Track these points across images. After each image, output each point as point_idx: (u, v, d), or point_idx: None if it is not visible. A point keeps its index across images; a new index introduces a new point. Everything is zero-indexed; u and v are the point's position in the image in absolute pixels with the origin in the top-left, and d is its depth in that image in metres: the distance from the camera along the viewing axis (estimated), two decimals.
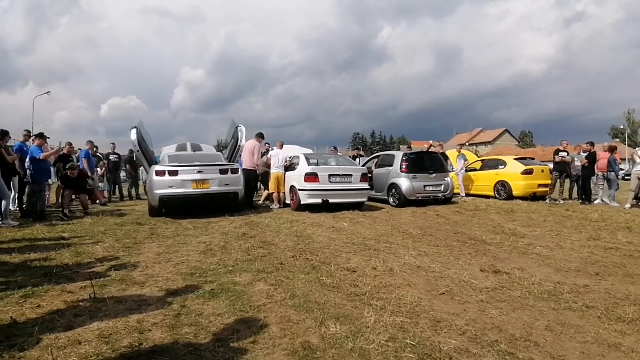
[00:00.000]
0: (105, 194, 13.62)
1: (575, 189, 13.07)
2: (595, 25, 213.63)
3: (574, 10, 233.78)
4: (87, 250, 5.56)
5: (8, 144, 8.98)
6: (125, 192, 15.01)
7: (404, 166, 11.18)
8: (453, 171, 13.84)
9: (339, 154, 14.97)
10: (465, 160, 14.56)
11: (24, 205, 9.30)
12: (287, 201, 10.73)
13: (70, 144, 11.10)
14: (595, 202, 11.83)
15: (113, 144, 14.48)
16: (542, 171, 13.11)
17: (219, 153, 11.87)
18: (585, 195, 11.96)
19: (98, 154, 13.83)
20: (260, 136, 11.54)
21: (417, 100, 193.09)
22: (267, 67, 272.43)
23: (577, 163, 12.32)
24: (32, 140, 9.43)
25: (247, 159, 10.99)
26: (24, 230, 7.32)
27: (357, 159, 15.62)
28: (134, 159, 13.69)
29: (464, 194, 13.94)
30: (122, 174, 15.72)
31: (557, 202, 11.97)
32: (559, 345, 2.76)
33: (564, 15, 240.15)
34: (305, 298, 3.60)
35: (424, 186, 11.11)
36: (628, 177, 12.51)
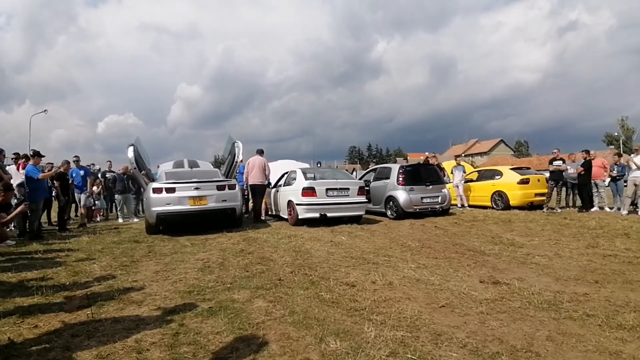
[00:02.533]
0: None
1: (571, 196, 13.15)
2: (588, 33, 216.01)
3: (568, 19, 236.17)
4: (84, 269, 5.53)
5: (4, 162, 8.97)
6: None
7: (400, 179, 11.21)
8: (449, 182, 13.85)
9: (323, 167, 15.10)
10: (464, 171, 14.55)
11: (26, 226, 9.23)
12: (285, 216, 10.72)
13: (68, 162, 11.08)
14: (593, 209, 11.85)
15: (109, 161, 14.49)
16: (539, 180, 13.14)
17: (216, 169, 11.87)
18: (583, 203, 11.99)
19: (93, 169, 13.86)
20: (262, 152, 11.90)
21: (413, 112, 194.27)
22: (264, 82, 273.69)
23: (571, 171, 12.38)
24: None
25: (258, 174, 11.19)
26: (20, 249, 7.28)
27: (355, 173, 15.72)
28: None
29: (467, 204, 13.90)
30: None
31: (555, 210, 11.98)
32: (560, 355, 2.75)
33: (557, 24, 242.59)
34: (304, 314, 3.58)
35: (422, 198, 11.12)
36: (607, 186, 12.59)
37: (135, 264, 5.93)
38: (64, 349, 2.91)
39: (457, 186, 14.03)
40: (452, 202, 13.45)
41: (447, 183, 13.08)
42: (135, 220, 12.64)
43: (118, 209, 13.26)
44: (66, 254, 6.76)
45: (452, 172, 14.44)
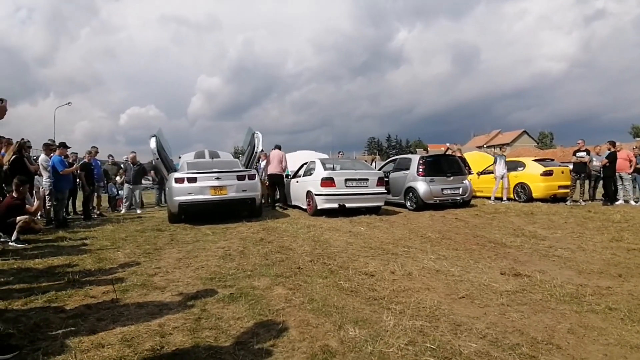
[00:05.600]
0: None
1: (594, 189, 12.87)
2: (615, 22, 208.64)
3: (594, 7, 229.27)
4: (109, 256, 5.66)
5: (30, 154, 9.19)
6: (152, 200, 15.34)
7: (421, 169, 11.08)
8: (471, 174, 13.58)
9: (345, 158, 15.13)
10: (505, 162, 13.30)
11: (51, 216, 9.46)
12: (303, 206, 10.78)
13: (91, 152, 11.29)
14: (617, 202, 11.58)
15: (134, 152, 14.70)
16: (562, 172, 12.86)
17: (237, 160, 11.99)
18: (608, 196, 11.73)
19: (115, 161, 14.16)
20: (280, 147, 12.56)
21: (434, 102, 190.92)
22: (283, 73, 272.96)
23: (596, 163, 12.10)
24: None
25: (276, 166, 11.89)
26: (47, 237, 7.49)
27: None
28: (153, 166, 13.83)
29: (506, 199, 12.85)
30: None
31: (579, 203, 11.75)
32: (581, 348, 2.72)
33: (584, 13, 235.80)
34: (323, 302, 3.61)
35: (442, 189, 10.99)
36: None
37: (158, 251, 6.05)
38: (90, 332, 2.99)
39: (503, 177, 12.95)
40: (494, 194, 13.11)
41: (469, 174, 12.86)
42: (138, 211, 12.46)
43: (124, 199, 12.91)
44: (91, 241, 6.93)
45: (494, 162, 13.35)
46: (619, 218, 8.59)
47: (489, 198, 13.40)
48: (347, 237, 6.93)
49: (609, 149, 11.70)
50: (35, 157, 10.17)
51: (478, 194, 13.70)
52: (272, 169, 11.89)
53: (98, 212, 11.62)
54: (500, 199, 12.97)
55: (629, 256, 5.34)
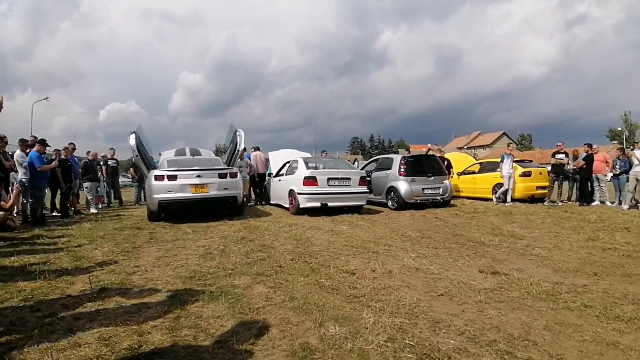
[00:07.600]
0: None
1: (573, 190, 13.16)
2: (596, 27, 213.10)
3: (576, 12, 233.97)
4: (87, 254, 5.56)
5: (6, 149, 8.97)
6: (132, 198, 15.17)
7: (402, 169, 11.19)
8: (452, 176, 13.73)
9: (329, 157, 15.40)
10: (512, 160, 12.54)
11: (28, 216, 9.24)
12: (286, 205, 10.76)
13: (68, 148, 11.07)
14: (594, 203, 11.85)
15: (112, 149, 14.53)
16: (541, 173, 13.14)
17: (218, 158, 11.90)
18: (584, 197, 11.99)
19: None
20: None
21: (417, 103, 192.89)
22: (267, 71, 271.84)
23: (569, 165, 12.36)
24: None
25: (262, 166, 13.39)
26: (23, 234, 7.33)
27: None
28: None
29: (510, 200, 12.21)
30: (121, 179, 15.73)
31: (556, 204, 11.98)
32: (557, 344, 2.77)
33: (565, 17, 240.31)
34: (304, 300, 3.61)
35: (423, 189, 11.11)
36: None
37: (137, 250, 5.96)
38: (66, 332, 2.93)
39: (509, 177, 12.26)
40: (489, 196, 13.12)
41: (450, 175, 13.02)
42: (94, 210, 11.95)
43: (89, 198, 12.43)
44: (68, 239, 6.79)
45: (501, 161, 12.53)
46: (594, 218, 8.79)
47: (468, 198, 13.60)
48: (329, 236, 6.94)
49: (586, 152, 11.96)
50: (11, 153, 9.92)
51: (458, 194, 13.89)
52: (262, 169, 13.25)
53: (75, 210, 11.41)
54: (505, 200, 12.29)
55: (604, 255, 5.47)
